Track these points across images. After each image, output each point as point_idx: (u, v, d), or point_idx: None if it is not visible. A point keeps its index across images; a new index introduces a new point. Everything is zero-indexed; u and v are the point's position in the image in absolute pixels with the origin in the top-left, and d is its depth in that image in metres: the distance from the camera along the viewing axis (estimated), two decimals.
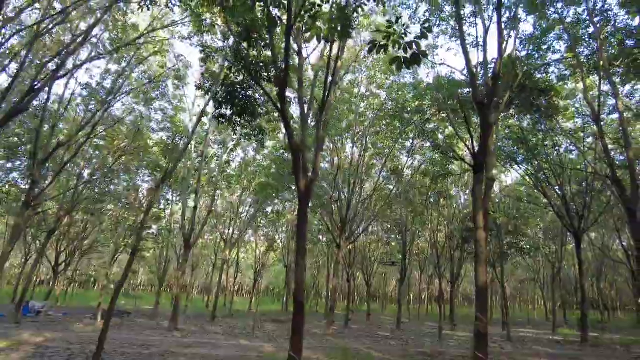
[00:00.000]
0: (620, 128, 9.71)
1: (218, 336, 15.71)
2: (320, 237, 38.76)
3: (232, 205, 28.23)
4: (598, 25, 12.65)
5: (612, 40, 13.14)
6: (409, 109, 17.76)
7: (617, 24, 13.12)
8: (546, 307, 41.73)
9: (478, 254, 7.46)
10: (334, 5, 5.44)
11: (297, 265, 6.50)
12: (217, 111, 12.06)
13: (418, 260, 33.83)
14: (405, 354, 12.80)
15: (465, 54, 8.00)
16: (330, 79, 6.88)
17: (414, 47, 4.58)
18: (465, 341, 17.58)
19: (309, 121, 7.69)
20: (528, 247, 24.19)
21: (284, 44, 6.95)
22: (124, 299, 41.48)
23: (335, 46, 6.66)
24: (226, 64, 12.80)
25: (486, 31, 9.98)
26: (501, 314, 26.51)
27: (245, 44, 11.41)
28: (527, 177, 20.47)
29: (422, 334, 20.49)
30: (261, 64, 11.64)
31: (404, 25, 4.67)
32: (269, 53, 11.69)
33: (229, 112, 11.85)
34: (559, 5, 13.32)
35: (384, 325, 25.75)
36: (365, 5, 5.75)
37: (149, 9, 9.66)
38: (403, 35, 4.65)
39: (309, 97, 10.47)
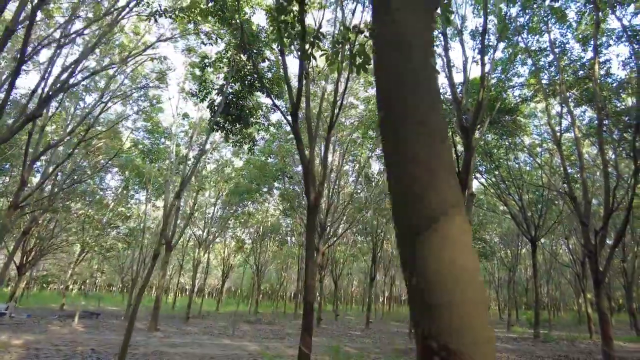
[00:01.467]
0: (577, 152, 11.12)
1: (199, 336, 16.04)
2: (289, 238, 39.51)
3: (201, 207, 28.34)
4: (557, 55, 14.23)
5: (568, 69, 14.82)
6: None
7: (572, 55, 14.85)
8: (499, 307, 44.49)
9: None
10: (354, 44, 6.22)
11: (306, 270, 7.23)
12: (212, 119, 12.61)
13: (382, 263, 35.31)
14: (382, 351, 13.79)
15: (452, 86, 9.03)
16: (338, 102, 7.67)
17: None
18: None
19: (316, 138, 8.41)
20: (487, 251, 26.00)
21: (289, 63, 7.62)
22: (84, 299, 40.24)
23: (345, 74, 7.43)
24: (222, 74, 13.30)
25: (466, 60, 11.13)
26: None
27: (243, 56, 12.04)
28: (489, 187, 22.10)
29: (391, 333, 21.67)
30: (255, 75, 12.31)
31: None
32: (264, 64, 12.38)
33: (222, 120, 12.48)
34: (525, 34, 14.82)
35: (353, 325, 26.80)
36: None
37: (156, 21, 10.05)
38: None
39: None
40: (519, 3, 13.97)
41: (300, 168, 24.63)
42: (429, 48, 1.51)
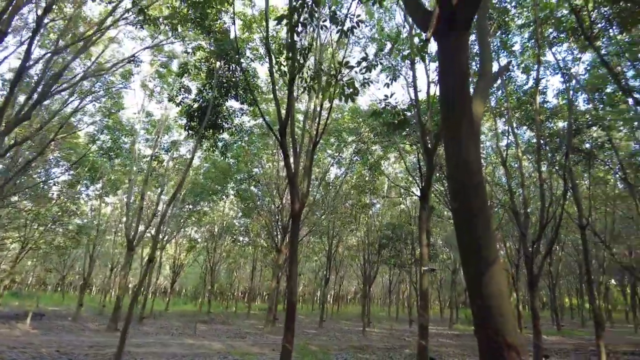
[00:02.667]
0: (519, 169, 12.75)
1: (160, 336, 16.14)
2: (241, 238, 39.61)
3: (153, 203, 27.93)
4: (503, 81, 15.98)
5: (513, 94, 16.66)
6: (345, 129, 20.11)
7: (516, 82, 16.73)
8: (441, 306, 47.38)
9: (423, 264, 9.59)
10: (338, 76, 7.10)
11: (290, 274, 7.96)
12: (188, 123, 12.95)
13: (335, 263, 36.49)
14: (340, 348, 14.76)
15: (418, 110, 10.15)
16: (322, 123, 8.47)
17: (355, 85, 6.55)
18: (384, 336, 20.21)
19: (300, 153, 9.15)
20: (432, 253, 27.90)
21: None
22: (17, 299, 37.93)
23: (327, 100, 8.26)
24: (197, 82, 13.63)
25: (429, 83, 12.36)
26: (408, 313, 29.95)
27: (222, 62, 12.50)
28: (438, 195, 23.84)
29: (344, 331, 22.80)
30: (232, 83, 12.82)
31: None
32: (240, 74, 12.88)
33: (196, 125, 12.84)
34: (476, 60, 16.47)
35: (306, 324, 27.67)
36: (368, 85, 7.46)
37: (142, 28, 10.28)
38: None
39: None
40: (474, 33, 15.56)
41: (263, 170, 25.31)
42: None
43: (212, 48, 12.50)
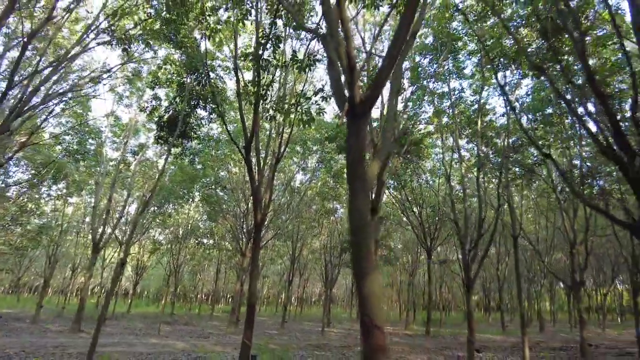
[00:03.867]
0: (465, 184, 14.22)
1: (124, 336, 16.56)
2: (205, 240, 39.90)
3: (119, 205, 27.99)
4: (452, 101, 17.50)
5: (463, 112, 18.21)
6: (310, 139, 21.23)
7: (466, 101, 18.32)
8: (400, 308, 49.24)
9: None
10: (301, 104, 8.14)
11: (251, 278, 8.88)
12: (157, 133, 13.60)
13: (299, 266, 37.49)
14: (299, 346, 15.74)
15: (370, 128, 11.30)
16: (284, 143, 9.48)
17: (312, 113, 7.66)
18: (342, 336, 21.36)
19: (264, 168, 10.09)
20: (391, 257, 29.44)
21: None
22: None
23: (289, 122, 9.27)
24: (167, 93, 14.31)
25: (382, 105, 13.59)
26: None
27: (192, 77, 13.25)
28: (396, 203, 25.33)
29: (305, 331, 23.79)
30: (201, 96, 13.59)
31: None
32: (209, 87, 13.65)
33: (165, 134, 13.51)
34: (432, 81, 17.92)
35: (269, 325, 28.46)
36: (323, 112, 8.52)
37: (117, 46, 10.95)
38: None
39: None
40: (429, 57, 16.95)
41: (232, 176, 26.02)
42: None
43: (183, 61, 13.21)
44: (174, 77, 13.49)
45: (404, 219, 28.51)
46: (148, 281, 59.26)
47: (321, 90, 8.55)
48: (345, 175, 24.68)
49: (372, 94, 3.15)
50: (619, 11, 14.02)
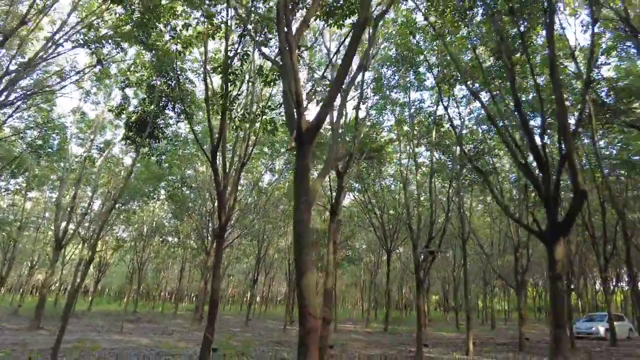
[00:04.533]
0: (416, 193, 15.27)
1: (86, 333, 16.63)
2: (170, 238, 39.69)
3: (82, 200, 27.63)
4: (411, 111, 18.55)
5: (423, 121, 19.31)
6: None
7: (426, 111, 19.42)
8: (363, 306, 50.50)
9: (327, 269, 11.51)
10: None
11: (214, 277, 9.44)
12: (126, 133, 13.83)
13: (264, 265, 37.99)
14: (261, 343, 16.34)
15: (334, 140, 12.08)
16: (250, 148, 10.08)
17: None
18: None
19: (230, 172, 10.64)
20: (355, 258, 30.45)
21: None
22: None
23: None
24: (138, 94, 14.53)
25: (346, 114, 14.40)
26: (334, 312, 32.08)
27: (162, 80, 13.57)
28: (360, 204, 26.29)
29: (268, 329, 24.39)
30: (170, 98, 13.94)
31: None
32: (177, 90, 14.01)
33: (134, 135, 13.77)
34: (395, 91, 18.90)
35: (233, 323, 28.82)
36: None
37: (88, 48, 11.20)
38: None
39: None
40: (392, 69, 17.89)
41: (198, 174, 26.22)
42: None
43: (153, 63, 13.50)
44: (144, 78, 13.80)
45: (367, 220, 29.59)
46: (110, 278, 58.03)
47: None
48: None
49: (316, 124, 3.84)
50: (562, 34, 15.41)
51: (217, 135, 9.57)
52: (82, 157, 19.50)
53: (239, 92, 8.78)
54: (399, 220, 24.68)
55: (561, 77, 16.21)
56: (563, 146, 5.92)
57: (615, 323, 23.52)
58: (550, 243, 5.85)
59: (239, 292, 63.19)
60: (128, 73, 13.30)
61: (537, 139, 7.71)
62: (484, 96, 22.01)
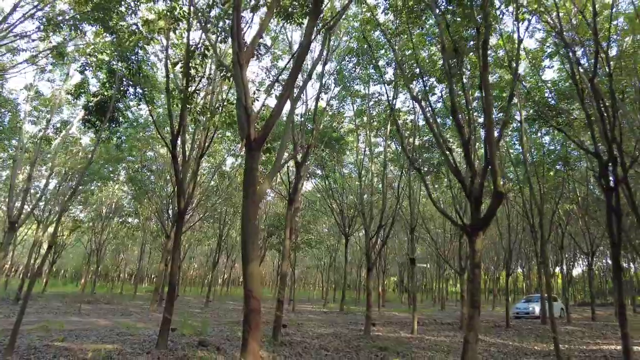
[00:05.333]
0: (370, 181, 16.14)
1: (43, 315, 16.64)
2: (130, 220, 39.20)
3: (36, 180, 26.87)
4: (370, 103, 19.31)
5: (382, 113, 20.13)
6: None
7: (384, 104, 20.23)
8: (323, 288, 51.96)
9: (283, 253, 12.19)
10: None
11: (172, 260, 9.91)
12: (85, 117, 13.76)
13: (226, 248, 38.40)
14: (220, 322, 16.96)
15: (292, 130, 12.62)
16: (209, 138, 10.47)
17: None
18: (263, 313, 22.84)
19: (189, 160, 11.00)
20: (315, 241, 31.39)
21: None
22: None
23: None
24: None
25: (307, 106, 14.94)
26: (290, 292, 33.07)
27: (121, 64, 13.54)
28: (321, 190, 27.06)
29: (227, 309, 25.02)
30: (131, 82, 13.96)
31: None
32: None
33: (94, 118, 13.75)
34: (356, 83, 19.56)
35: (193, 304, 29.24)
36: None
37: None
38: None
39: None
40: (354, 60, 18.46)
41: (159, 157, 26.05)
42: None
43: (114, 47, 13.41)
44: (104, 62, 13.69)
45: (327, 207, 30.49)
46: (66, 260, 56.52)
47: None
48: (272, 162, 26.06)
49: (264, 134, 4.40)
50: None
51: (177, 125, 9.89)
52: (37, 136, 19.02)
53: (199, 88, 9.13)
54: (357, 207, 25.71)
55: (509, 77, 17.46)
56: (487, 153, 6.77)
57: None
58: (472, 236, 6.77)
59: (201, 274, 63.23)
60: (88, 56, 13.18)
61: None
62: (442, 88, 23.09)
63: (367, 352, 10.26)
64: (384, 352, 10.34)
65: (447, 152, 7.66)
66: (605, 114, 11.06)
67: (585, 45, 13.80)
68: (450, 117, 17.39)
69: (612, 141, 10.35)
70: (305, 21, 9.82)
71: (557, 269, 38.47)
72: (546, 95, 18.00)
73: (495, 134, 7.82)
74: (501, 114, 19.22)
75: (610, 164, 10.39)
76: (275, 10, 7.28)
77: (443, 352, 10.61)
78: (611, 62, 12.02)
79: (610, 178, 10.69)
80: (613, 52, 16.46)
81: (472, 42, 12.42)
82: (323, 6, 5.30)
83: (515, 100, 19.06)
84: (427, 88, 14.34)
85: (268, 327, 15.38)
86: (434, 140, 19.71)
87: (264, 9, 8.36)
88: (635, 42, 14.39)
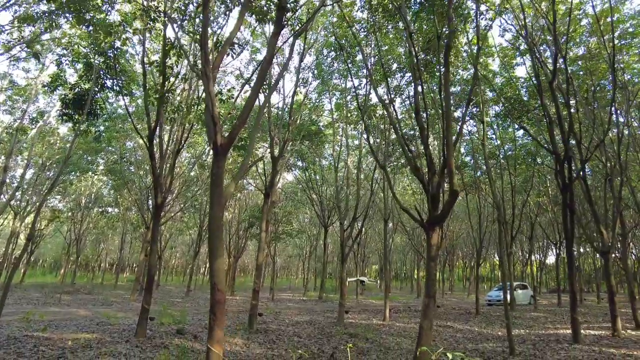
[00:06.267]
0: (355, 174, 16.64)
1: (21, 306, 16.77)
2: (110, 209, 39.03)
3: (12, 169, 26.59)
4: (350, 97, 19.70)
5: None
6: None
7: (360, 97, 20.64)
8: (304, 276, 52.77)
9: (260, 245, 12.63)
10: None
11: (150, 252, 10.25)
12: (62, 110, 13.81)
13: (207, 238, 38.74)
14: (199, 312, 17.37)
15: (270, 124, 12.96)
16: (185, 135, 10.76)
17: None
18: (242, 302, 23.36)
19: (167, 155, 11.28)
20: (295, 232, 31.93)
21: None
22: None
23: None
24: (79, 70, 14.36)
25: (290, 107, 15.25)
26: (270, 281, 33.63)
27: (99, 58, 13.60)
28: (302, 182, 27.47)
29: (208, 299, 25.45)
30: (109, 76, 14.04)
31: None
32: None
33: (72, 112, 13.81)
34: (334, 77, 19.89)
35: (174, 293, 29.54)
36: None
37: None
38: None
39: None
40: (332, 55, 18.76)
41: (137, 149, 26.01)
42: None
43: (91, 40, 13.42)
44: (81, 55, 13.71)
45: (306, 197, 30.98)
46: (45, 250, 55.86)
47: (220, 93, 9.99)
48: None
49: (229, 141, 4.78)
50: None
51: (153, 123, 10.13)
52: (12, 127, 18.88)
53: (174, 87, 9.40)
54: (333, 200, 26.28)
55: (482, 74, 18.08)
56: (445, 154, 7.28)
57: (520, 291, 27.03)
58: (428, 230, 7.32)
59: (183, 264, 63.27)
60: (64, 49, 13.20)
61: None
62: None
63: (338, 338, 10.84)
64: (354, 338, 10.93)
65: (409, 152, 8.13)
66: (562, 115, 11.76)
67: (547, 47, 14.48)
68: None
69: (567, 141, 11.06)
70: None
71: (533, 258, 40.03)
72: (518, 92, 18.68)
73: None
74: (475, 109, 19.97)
75: (565, 163, 11.11)
76: (248, 12, 7.60)
77: (410, 338, 11.27)
78: (568, 67, 12.69)
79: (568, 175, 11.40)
80: (581, 51, 17.25)
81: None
82: (285, 21, 5.62)
83: (490, 94, 19.84)
84: (392, 93, 14.76)
85: (244, 315, 15.88)
86: (411, 134, 20.46)
87: (238, 9, 8.64)
88: (599, 44, 15.04)
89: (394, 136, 19.76)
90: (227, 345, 9.48)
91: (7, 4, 12.44)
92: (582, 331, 11.45)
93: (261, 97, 11.61)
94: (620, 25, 15.77)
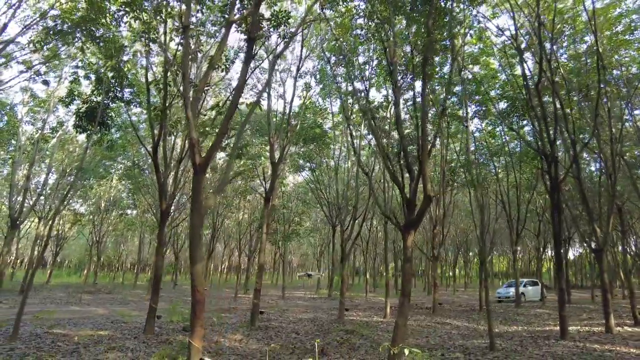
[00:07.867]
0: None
1: (45, 305, 17.91)
2: (129, 211, 40.46)
3: (37, 176, 28.05)
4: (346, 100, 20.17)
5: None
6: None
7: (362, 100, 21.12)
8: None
9: (260, 247, 13.32)
10: None
11: (157, 254, 11.05)
12: (77, 122, 14.76)
13: (223, 237, 39.76)
14: (209, 310, 18.18)
15: (270, 130, 13.63)
16: (186, 145, 11.51)
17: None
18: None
19: (171, 164, 12.05)
20: (303, 232, 32.67)
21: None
22: None
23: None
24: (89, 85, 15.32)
25: (290, 105, 15.87)
26: (282, 279, 34.36)
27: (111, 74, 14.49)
28: (309, 183, 28.10)
29: (221, 297, 26.36)
30: (118, 89, 14.91)
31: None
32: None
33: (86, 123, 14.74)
34: (337, 81, 20.39)
35: (188, 292, 30.59)
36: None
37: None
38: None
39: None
40: (334, 59, 19.27)
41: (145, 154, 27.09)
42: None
43: (102, 55, 14.30)
44: (93, 70, 14.63)
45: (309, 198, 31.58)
46: (69, 251, 58.13)
47: (217, 105, 10.67)
48: (265, 155, 27.08)
49: (206, 161, 5.42)
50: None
51: (157, 136, 10.89)
52: (34, 137, 20.07)
53: (175, 102, 10.13)
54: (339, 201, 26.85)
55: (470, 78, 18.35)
56: (420, 162, 7.79)
57: (530, 287, 27.14)
58: (404, 234, 7.84)
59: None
60: (77, 67, 14.13)
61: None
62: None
63: (334, 334, 11.43)
64: (350, 334, 11.50)
65: (387, 159, 8.65)
66: (548, 117, 12.06)
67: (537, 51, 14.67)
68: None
69: (553, 142, 11.39)
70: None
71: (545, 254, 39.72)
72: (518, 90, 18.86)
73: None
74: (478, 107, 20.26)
75: (552, 164, 11.42)
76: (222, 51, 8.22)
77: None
78: (562, 68, 12.93)
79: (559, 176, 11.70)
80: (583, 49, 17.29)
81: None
82: (256, 49, 6.18)
83: (493, 93, 20.07)
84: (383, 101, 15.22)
85: (248, 313, 16.61)
86: (415, 134, 20.84)
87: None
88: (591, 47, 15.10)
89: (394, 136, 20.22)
90: (227, 341, 10.20)
91: (32, 24, 13.46)
92: (577, 328, 11.80)
93: (262, 102, 12.24)
94: (622, 19, 15.72)
